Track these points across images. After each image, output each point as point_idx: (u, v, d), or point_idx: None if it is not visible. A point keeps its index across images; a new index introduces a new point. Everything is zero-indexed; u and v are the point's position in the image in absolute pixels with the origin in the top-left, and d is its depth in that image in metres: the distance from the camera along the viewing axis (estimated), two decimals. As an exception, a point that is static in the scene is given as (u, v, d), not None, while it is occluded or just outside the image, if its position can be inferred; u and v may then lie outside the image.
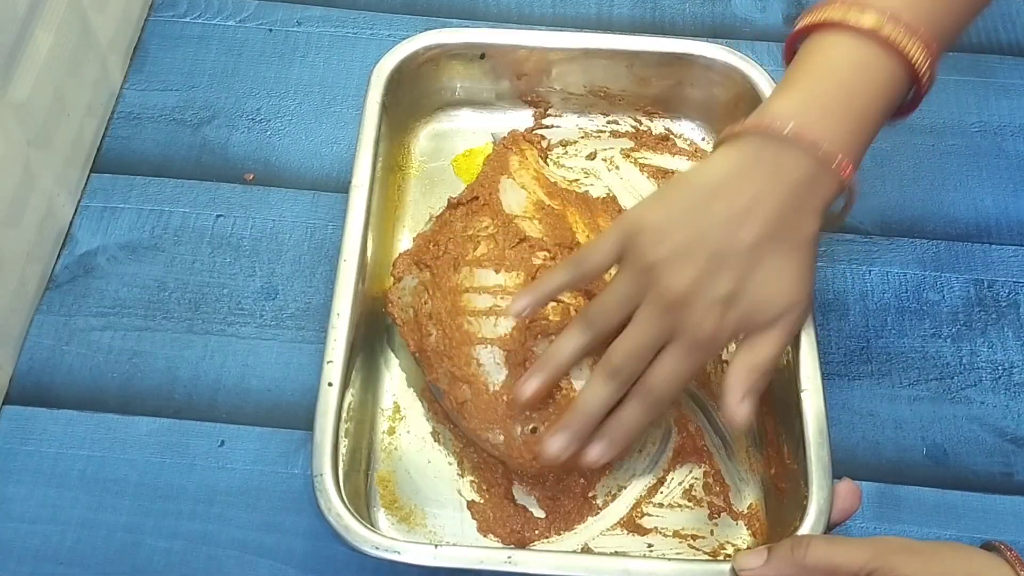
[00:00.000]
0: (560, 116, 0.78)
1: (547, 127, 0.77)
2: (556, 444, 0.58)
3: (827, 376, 0.69)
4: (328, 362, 0.60)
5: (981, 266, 0.74)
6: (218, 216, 0.75)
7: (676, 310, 0.56)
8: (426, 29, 0.76)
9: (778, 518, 0.61)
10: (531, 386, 0.60)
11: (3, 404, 0.67)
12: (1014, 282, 0.74)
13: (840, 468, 0.60)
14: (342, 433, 0.59)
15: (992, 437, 0.68)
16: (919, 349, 0.71)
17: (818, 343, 0.62)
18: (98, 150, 0.77)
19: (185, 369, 0.69)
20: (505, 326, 0.63)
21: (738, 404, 0.56)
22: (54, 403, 0.67)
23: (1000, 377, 0.70)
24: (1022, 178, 0.78)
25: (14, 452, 0.65)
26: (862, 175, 0.77)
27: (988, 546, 0.52)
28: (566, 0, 0.86)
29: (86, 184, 0.76)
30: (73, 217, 0.74)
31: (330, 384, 0.60)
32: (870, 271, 0.74)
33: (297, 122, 0.79)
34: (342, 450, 0.59)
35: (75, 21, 0.72)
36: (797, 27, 0.59)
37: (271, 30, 0.84)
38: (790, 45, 0.60)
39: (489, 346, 0.62)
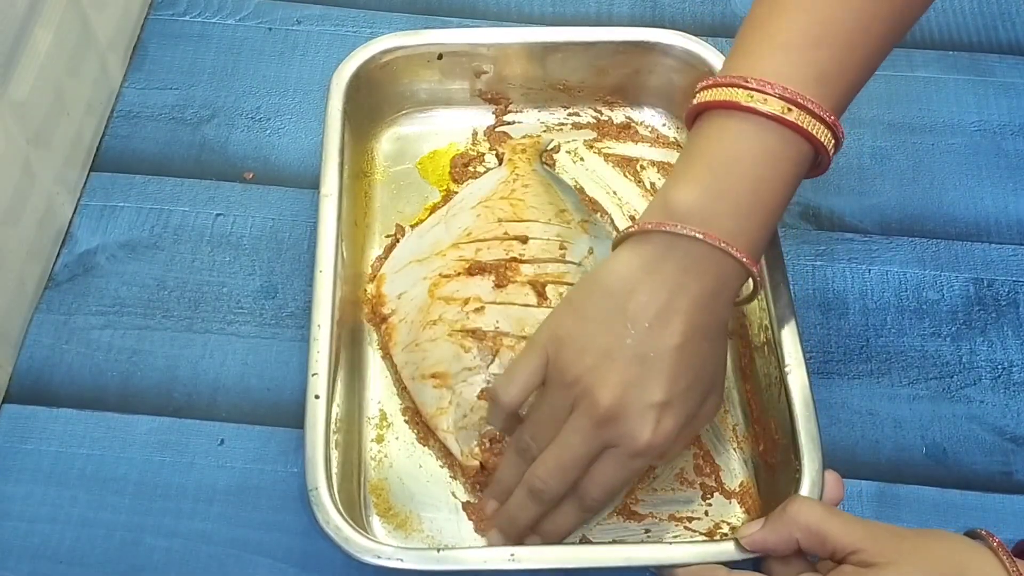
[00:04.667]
0: (521, 112, 0.78)
1: (509, 123, 0.78)
2: (491, 542, 0.60)
3: (826, 375, 0.69)
4: (313, 374, 0.60)
5: (980, 265, 0.74)
6: (218, 215, 0.75)
7: (609, 423, 0.54)
8: (425, 28, 0.75)
9: (771, 494, 0.62)
10: (489, 510, 0.61)
11: (3, 403, 0.67)
12: (1013, 281, 0.74)
13: (839, 466, 0.60)
14: (332, 445, 0.59)
15: (991, 436, 0.68)
16: (918, 348, 0.71)
17: (797, 322, 0.62)
18: (98, 149, 0.77)
19: (185, 368, 0.69)
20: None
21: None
22: (54, 402, 0.67)
23: (1000, 376, 0.70)
24: (1021, 177, 0.78)
25: (13, 451, 0.65)
26: (860, 174, 0.78)
27: (972, 534, 0.54)
28: (566, -1, 0.86)
29: (86, 183, 0.76)
30: (73, 216, 0.74)
31: (317, 396, 0.59)
32: (869, 270, 0.74)
33: (297, 121, 0.79)
34: (334, 462, 0.59)
35: (74, 20, 0.72)
36: (696, 101, 0.57)
37: (271, 29, 0.84)
38: (690, 116, 0.58)
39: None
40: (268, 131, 0.79)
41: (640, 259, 0.55)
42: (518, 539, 0.59)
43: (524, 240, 0.67)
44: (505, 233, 0.68)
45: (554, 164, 0.76)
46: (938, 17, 0.86)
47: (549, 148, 0.77)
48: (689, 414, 0.56)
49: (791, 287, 0.64)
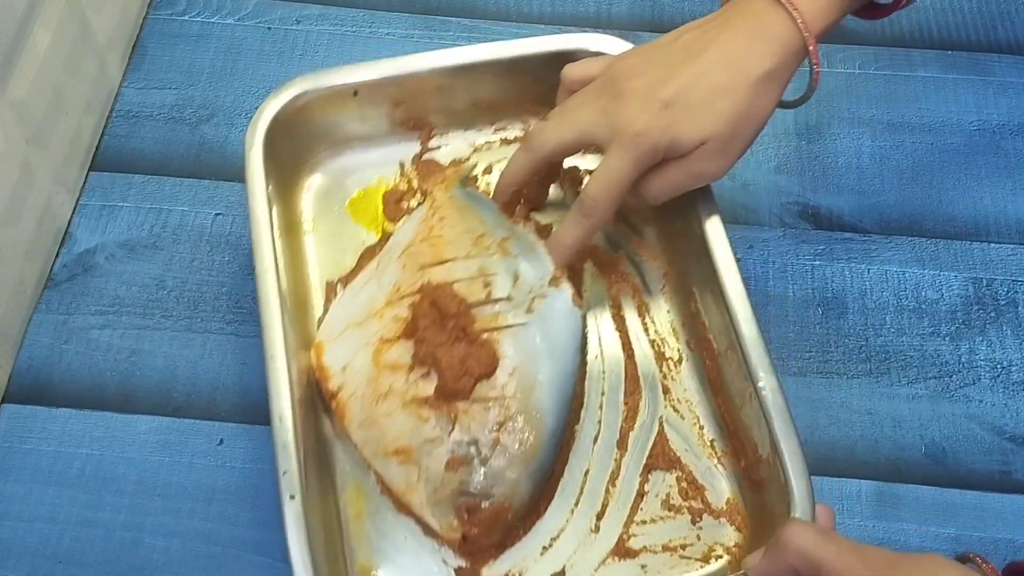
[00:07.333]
0: (446, 135, 0.74)
1: (435, 148, 0.74)
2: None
3: (825, 374, 0.69)
4: (283, 473, 0.56)
5: (980, 264, 0.74)
6: (217, 215, 0.75)
7: (616, 100, 0.59)
8: (424, 27, 0.75)
9: (759, 508, 0.61)
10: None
11: (2, 403, 0.67)
12: (1012, 280, 0.74)
13: (839, 466, 0.61)
14: (313, 535, 0.56)
15: (990, 435, 0.68)
16: (918, 347, 0.71)
17: (759, 323, 0.61)
18: (97, 148, 0.77)
19: (184, 367, 0.69)
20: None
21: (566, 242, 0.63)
22: (53, 402, 0.67)
23: (999, 375, 0.70)
24: (1020, 176, 0.78)
25: (13, 451, 0.65)
26: (860, 173, 0.78)
27: (963, 558, 0.53)
28: (565, -2, 0.86)
29: (85, 182, 0.76)
30: (72, 215, 0.74)
31: (292, 497, 0.56)
32: (869, 269, 0.74)
33: (296, 120, 0.79)
34: (319, 551, 0.56)
35: (74, 19, 0.72)
36: None
37: (270, 28, 0.84)
38: None
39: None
40: (267, 131, 0.79)
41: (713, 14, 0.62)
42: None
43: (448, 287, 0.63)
44: (428, 282, 0.63)
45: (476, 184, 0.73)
46: (938, 17, 0.86)
47: (470, 175, 0.72)
48: (686, 133, 0.59)
49: (791, 286, 0.64)
